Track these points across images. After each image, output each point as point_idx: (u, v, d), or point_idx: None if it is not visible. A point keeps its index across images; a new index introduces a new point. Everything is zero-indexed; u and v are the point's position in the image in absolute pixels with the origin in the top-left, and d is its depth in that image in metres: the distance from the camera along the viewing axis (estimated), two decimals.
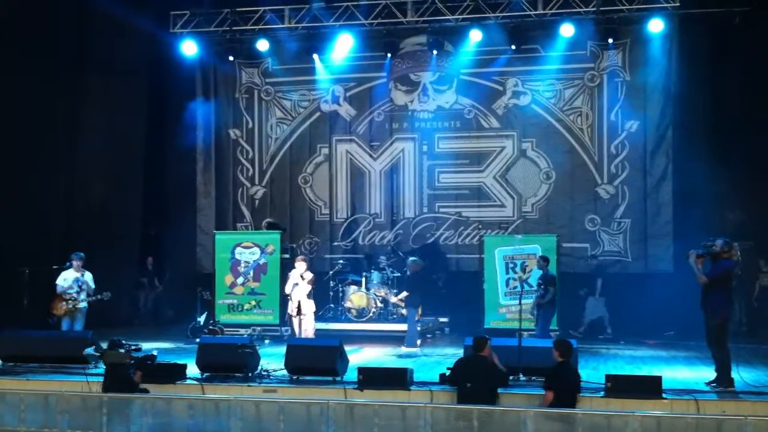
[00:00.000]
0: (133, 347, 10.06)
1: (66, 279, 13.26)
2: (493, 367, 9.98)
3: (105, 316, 14.14)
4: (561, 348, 9.76)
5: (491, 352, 10.12)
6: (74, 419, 9.04)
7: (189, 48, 17.97)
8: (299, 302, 13.54)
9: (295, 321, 13.78)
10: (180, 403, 9.04)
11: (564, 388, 9.37)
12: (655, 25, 16.38)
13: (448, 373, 10.77)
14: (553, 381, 9.51)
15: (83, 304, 13.27)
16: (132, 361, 9.95)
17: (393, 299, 15.61)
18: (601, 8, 16.41)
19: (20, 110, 16.61)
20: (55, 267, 13.42)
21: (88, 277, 13.38)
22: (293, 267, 14.04)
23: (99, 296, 13.34)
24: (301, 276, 13.73)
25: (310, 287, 13.73)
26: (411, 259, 15.33)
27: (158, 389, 10.27)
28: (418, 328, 14.72)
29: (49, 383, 10.89)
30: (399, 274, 15.96)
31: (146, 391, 9.81)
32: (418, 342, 14.55)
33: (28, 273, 13.64)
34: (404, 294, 14.90)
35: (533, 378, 10.58)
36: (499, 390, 9.91)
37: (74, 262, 13.32)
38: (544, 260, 14.02)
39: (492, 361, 10.04)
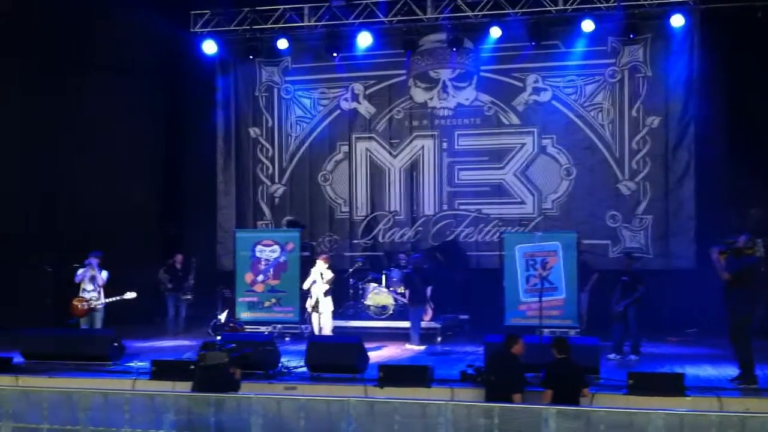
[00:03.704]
0: (230, 345, 9.95)
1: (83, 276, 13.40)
2: (518, 367, 9.84)
3: (123, 315, 14.20)
4: (558, 345, 9.70)
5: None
6: (97, 417, 9.09)
7: (209, 47, 18.03)
8: (317, 299, 13.60)
9: (314, 317, 13.86)
10: (201, 399, 9.06)
11: (565, 384, 9.34)
12: (677, 20, 16.23)
13: (469, 370, 10.77)
14: (552, 379, 9.49)
15: (101, 305, 13.39)
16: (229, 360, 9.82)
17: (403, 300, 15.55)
18: (622, 3, 16.28)
19: (39, 108, 16.75)
20: (75, 265, 13.53)
21: (104, 274, 13.55)
22: (314, 264, 14.09)
23: (122, 296, 13.46)
24: (321, 274, 13.77)
25: (328, 286, 13.78)
26: (411, 256, 15.37)
27: (180, 386, 10.35)
28: (424, 325, 14.73)
29: (72, 381, 10.98)
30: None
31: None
32: (417, 340, 14.43)
33: (52, 271, 13.76)
34: (407, 293, 14.90)
35: None
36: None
37: (92, 260, 13.42)
38: (630, 258, 13.82)
39: (519, 361, 9.88)
